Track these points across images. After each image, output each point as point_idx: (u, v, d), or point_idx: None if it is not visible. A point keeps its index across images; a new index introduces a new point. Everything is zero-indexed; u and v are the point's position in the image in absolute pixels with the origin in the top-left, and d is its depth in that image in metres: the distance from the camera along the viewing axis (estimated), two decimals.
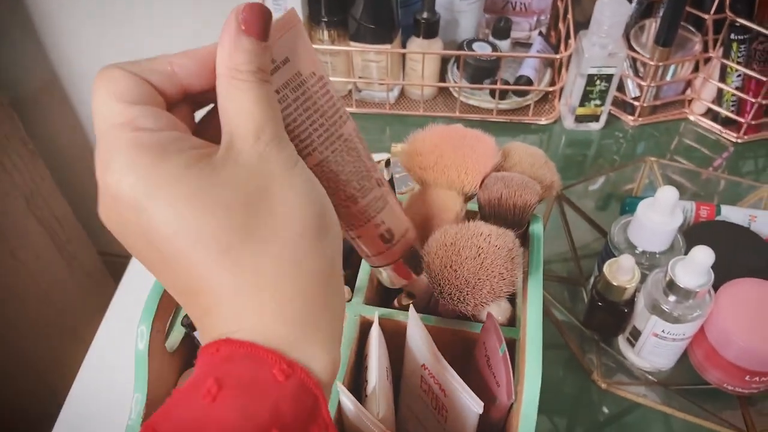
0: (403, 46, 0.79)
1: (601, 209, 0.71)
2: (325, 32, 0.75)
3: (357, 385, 0.43)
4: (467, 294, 0.35)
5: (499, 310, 0.42)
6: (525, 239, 0.42)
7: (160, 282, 0.24)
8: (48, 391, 1.17)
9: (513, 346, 0.39)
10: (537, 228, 0.40)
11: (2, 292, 1.12)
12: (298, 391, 0.22)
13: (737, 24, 0.70)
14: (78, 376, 0.62)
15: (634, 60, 0.78)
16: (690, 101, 0.81)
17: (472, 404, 0.36)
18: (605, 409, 0.56)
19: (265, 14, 0.24)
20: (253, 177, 0.23)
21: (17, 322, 1.15)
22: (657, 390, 0.55)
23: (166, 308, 0.41)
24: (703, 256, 0.46)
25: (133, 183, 0.22)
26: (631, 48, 0.77)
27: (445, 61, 0.83)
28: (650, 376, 0.56)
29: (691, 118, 0.81)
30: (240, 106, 0.24)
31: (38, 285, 1.21)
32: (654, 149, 0.79)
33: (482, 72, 0.79)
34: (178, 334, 0.44)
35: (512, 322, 0.43)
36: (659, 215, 0.52)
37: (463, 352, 0.41)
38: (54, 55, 1.16)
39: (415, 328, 0.39)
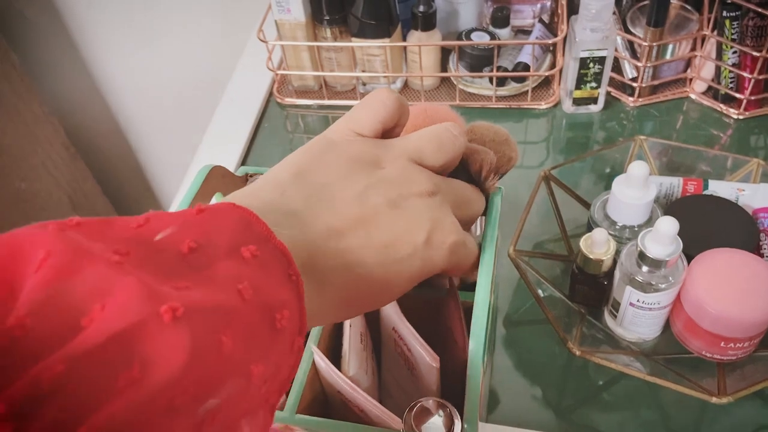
0: (404, 39, 0.82)
1: (594, 188, 0.73)
2: (328, 30, 0.80)
3: (337, 350, 0.47)
4: None
5: None
6: (485, 211, 0.45)
7: None
8: None
9: (470, 309, 0.42)
10: (496, 199, 0.43)
11: None
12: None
13: (728, 1, 0.70)
14: None
15: (630, 42, 0.79)
16: (691, 80, 0.81)
17: (429, 359, 0.39)
18: (595, 381, 0.58)
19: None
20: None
21: None
22: (642, 360, 0.57)
23: None
24: (667, 226, 0.48)
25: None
26: (626, 30, 0.79)
27: (446, 51, 0.86)
28: (634, 347, 0.57)
29: (693, 96, 0.81)
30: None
31: None
32: (656, 129, 0.80)
33: (481, 60, 0.82)
34: None
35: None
36: (632, 190, 0.54)
37: (429, 316, 0.44)
38: (91, 64, 1.24)
39: None
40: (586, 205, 0.68)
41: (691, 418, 0.54)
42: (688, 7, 0.78)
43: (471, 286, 0.43)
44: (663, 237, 0.49)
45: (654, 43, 0.75)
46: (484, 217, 0.45)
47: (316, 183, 0.32)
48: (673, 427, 0.54)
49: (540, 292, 0.60)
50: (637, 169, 0.52)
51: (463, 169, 0.42)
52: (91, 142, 1.37)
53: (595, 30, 0.72)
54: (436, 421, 0.39)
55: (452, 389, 0.43)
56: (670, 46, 0.78)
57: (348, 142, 0.34)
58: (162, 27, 1.13)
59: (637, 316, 0.55)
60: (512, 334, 0.62)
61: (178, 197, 0.83)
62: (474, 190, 0.40)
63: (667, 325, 0.57)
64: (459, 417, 0.38)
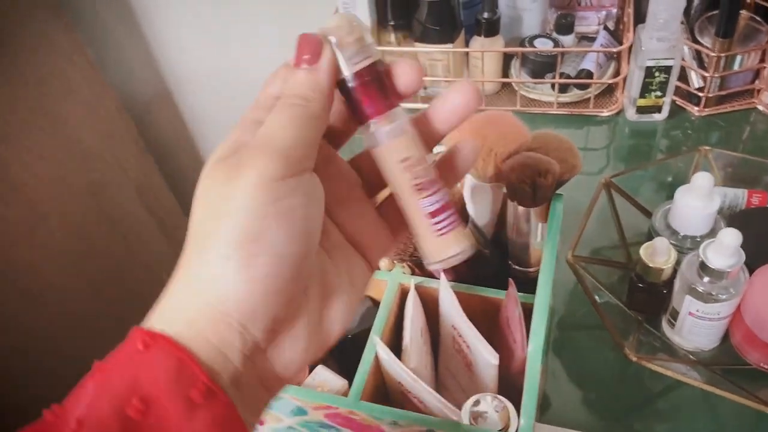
0: (467, 45, 0.84)
1: (655, 197, 0.73)
2: (392, 35, 0.82)
3: (398, 344, 0.49)
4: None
5: None
6: (547, 216, 0.46)
7: None
8: None
9: (530, 311, 0.43)
10: (558, 205, 0.44)
11: (116, 272, 1.27)
12: (160, 358, 0.22)
13: None
14: None
15: (698, 52, 0.78)
16: (758, 91, 0.80)
17: (488, 356, 0.41)
18: (649, 389, 0.58)
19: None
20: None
21: (127, 302, 1.29)
22: (699, 370, 0.57)
23: None
24: (730, 238, 0.48)
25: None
26: (694, 40, 0.78)
27: (509, 57, 0.87)
28: (691, 356, 0.57)
29: (760, 107, 0.80)
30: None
31: (147, 267, 1.36)
32: (721, 139, 0.79)
33: (543, 67, 0.82)
34: None
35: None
36: (696, 200, 0.54)
37: (488, 316, 0.46)
38: (163, 65, 1.29)
39: (446, 293, 0.45)
40: (647, 214, 0.68)
41: (746, 429, 0.54)
42: (758, 18, 0.77)
43: (531, 288, 0.45)
44: (725, 248, 0.49)
45: (722, 54, 0.74)
46: (544, 224, 0.46)
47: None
48: None
49: (596, 298, 0.60)
50: (702, 180, 0.52)
51: (526, 178, 0.43)
52: (159, 139, 1.43)
53: (661, 39, 0.72)
54: (493, 416, 0.40)
55: (508, 387, 0.44)
56: (738, 57, 0.77)
57: None
58: (232, 29, 1.17)
59: (696, 326, 0.55)
60: (566, 338, 0.62)
61: None
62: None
63: (725, 336, 0.57)
64: (516, 412, 0.40)
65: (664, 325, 0.59)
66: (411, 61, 0.28)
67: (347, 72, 0.26)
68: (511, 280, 0.43)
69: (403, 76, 0.27)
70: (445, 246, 0.27)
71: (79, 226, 1.17)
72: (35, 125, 1.06)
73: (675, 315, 0.56)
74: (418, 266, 0.49)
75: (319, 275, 0.26)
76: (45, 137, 1.08)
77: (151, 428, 0.21)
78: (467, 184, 0.50)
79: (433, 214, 0.26)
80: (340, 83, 0.26)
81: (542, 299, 0.39)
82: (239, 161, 0.24)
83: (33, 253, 1.07)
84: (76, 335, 1.18)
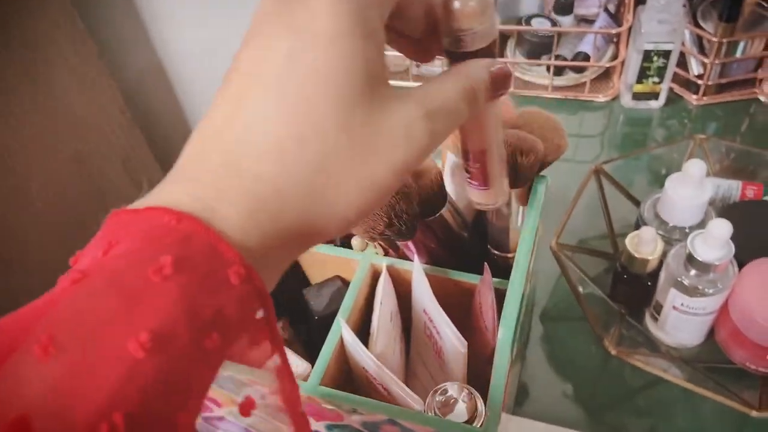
0: None
1: (647, 188, 0.70)
2: None
3: (367, 327, 0.46)
4: None
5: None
6: (528, 199, 0.44)
7: None
8: None
9: (503, 297, 0.41)
10: (540, 187, 0.42)
11: None
12: (248, 296, 0.20)
13: None
14: None
15: (699, 37, 0.75)
16: (761, 81, 0.77)
17: (457, 344, 0.38)
18: (630, 384, 0.56)
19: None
20: None
21: None
22: (681, 366, 0.55)
23: None
24: (719, 229, 0.46)
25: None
26: (696, 24, 0.75)
27: (504, 37, 0.84)
28: (673, 352, 0.55)
29: (762, 98, 0.77)
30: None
31: None
32: (719, 130, 0.77)
33: (540, 48, 0.80)
34: None
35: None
36: (687, 189, 0.52)
37: (463, 302, 0.44)
38: (155, 37, 1.26)
39: (418, 276, 0.43)
40: (637, 204, 0.66)
41: (728, 429, 0.52)
42: (764, 4, 0.74)
43: (509, 274, 0.42)
44: (714, 240, 0.47)
45: (724, 39, 0.71)
46: (525, 207, 0.44)
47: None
48: None
49: (580, 289, 0.58)
50: (694, 167, 0.50)
51: (511, 157, 0.41)
52: (147, 110, 1.40)
53: (662, 22, 0.69)
54: (460, 406, 0.38)
55: (479, 377, 0.42)
56: (741, 44, 0.74)
57: None
58: (229, 2, 1.14)
59: (680, 321, 0.52)
60: (548, 329, 0.60)
61: None
62: None
63: (710, 333, 0.55)
64: (483, 403, 0.37)
65: (647, 319, 0.57)
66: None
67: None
68: (486, 264, 0.41)
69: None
70: (502, 191, 0.31)
71: (62, 195, 1.15)
72: (20, 90, 1.03)
73: (659, 309, 0.54)
74: (392, 246, 0.47)
75: None
76: (29, 102, 1.05)
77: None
78: (447, 163, 0.48)
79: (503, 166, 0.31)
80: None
81: (516, 284, 0.37)
82: None
83: (13, 220, 1.05)
84: None
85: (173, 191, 0.21)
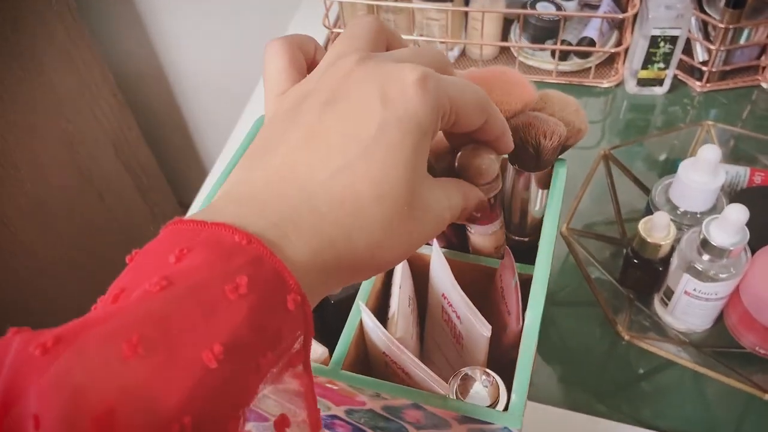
0: (467, 4, 0.80)
1: (655, 173, 0.70)
2: None
3: (383, 311, 0.46)
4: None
5: None
6: (548, 183, 0.43)
7: None
8: None
9: (528, 283, 0.41)
10: (561, 171, 0.41)
11: (88, 229, 1.23)
12: (297, 322, 0.22)
13: None
14: None
15: (704, 23, 0.75)
16: (764, 68, 0.78)
17: (481, 328, 0.38)
18: (637, 369, 0.56)
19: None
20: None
21: (100, 260, 1.25)
22: (690, 351, 0.56)
23: None
24: (736, 214, 0.46)
25: None
26: (701, 10, 0.75)
27: (509, 21, 0.84)
28: (682, 337, 0.56)
29: (764, 85, 0.78)
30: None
31: (121, 226, 1.31)
32: (721, 116, 0.77)
33: (544, 32, 0.79)
34: None
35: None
36: (700, 174, 0.52)
37: (480, 286, 0.43)
38: (146, 18, 1.24)
39: (437, 259, 0.42)
40: (644, 190, 0.66)
41: (734, 414, 0.53)
42: None
43: (526, 258, 0.42)
44: (730, 225, 0.47)
45: (731, 26, 0.71)
46: (546, 191, 0.43)
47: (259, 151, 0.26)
48: (714, 422, 0.52)
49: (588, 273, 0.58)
50: (708, 152, 0.50)
51: (534, 139, 0.40)
52: (138, 92, 1.38)
53: (670, 7, 0.69)
54: (482, 391, 0.38)
55: (496, 361, 0.42)
56: (746, 31, 0.74)
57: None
58: (233, 11, 1.12)
59: (691, 306, 0.53)
60: (555, 314, 0.60)
61: (226, 150, 0.83)
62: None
63: (719, 318, 0.55)
64: (506, 389, 0.37)
65: (656, 304, 0.57)
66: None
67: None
68: (507, 248, 0.41)
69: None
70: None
71: (51, 178, 1.12)
72: (8, 68, 1.00)
73: (669, 294, 0.54)
74: None
75: None
76: (16, 81, 1.02)
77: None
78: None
79: None
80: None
81: (542, 269, 0.37)
82: None
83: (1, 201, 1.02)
84: (46, 294, 1.14)
85: (240, 214, 0.23)
